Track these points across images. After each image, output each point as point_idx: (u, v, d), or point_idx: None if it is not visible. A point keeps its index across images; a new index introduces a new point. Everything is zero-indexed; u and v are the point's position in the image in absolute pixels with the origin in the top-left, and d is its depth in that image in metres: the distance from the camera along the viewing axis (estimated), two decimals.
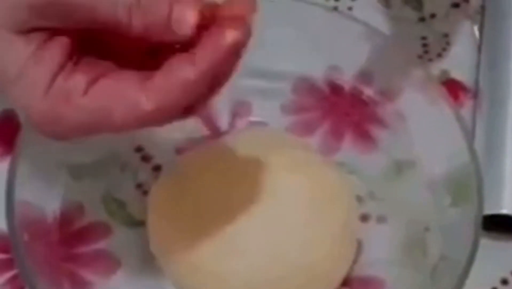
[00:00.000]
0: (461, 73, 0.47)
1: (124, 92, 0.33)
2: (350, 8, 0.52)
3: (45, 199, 0.42)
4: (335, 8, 0.51)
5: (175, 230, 0.41)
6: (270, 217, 0.40)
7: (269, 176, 0.41)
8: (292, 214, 0.40)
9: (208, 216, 0.40)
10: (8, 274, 0.42)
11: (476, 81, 0.49)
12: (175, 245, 0.40)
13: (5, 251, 0.43)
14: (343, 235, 0.41)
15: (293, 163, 0.42)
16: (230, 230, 0.40)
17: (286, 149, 0.43)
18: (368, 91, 0.46)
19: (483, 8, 0.52)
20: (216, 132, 0.43)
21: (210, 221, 0.40)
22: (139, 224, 0.43)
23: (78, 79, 0.33)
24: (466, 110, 0.48)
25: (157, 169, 0.45)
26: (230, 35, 0.32)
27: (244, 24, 0.33)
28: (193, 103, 0.34)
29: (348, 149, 0.46)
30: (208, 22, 0.33)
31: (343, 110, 0.47)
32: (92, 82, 0.33)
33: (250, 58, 0.46)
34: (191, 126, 0.38)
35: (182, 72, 0.32)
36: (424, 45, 0.50)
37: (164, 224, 0.41)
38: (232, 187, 0.41)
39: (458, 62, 0.41)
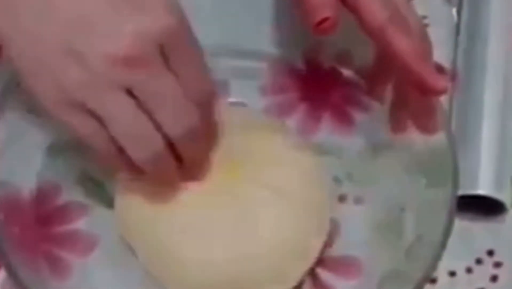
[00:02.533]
0: (439, 55, 0.47)
1: None
2: None
3: (21, 178, 0.41)
4: None
5: (140, 213, 0.40)
6: (236, 197, 0.40)
7: (238, 157, 0.41)
8: (258, 193, 0.40)
9: (174, 195, 0.40)
10: None
11: (454, 64, 0.49)
12: (140, 228, 0.40)
13: None
14: (304, 212, 0.41)
15: (258, 147, 0.42)
16: (196, 211, 0.40)
17: (258, 131, 0.43)
18: (347, 72, 0.47)
19: None
20: None
21: (176, 201, 0.40)
22: None
23: None
24: None
25: None
26: None
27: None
28: None
29: (326, 130, 0.46)
30: None
31: (321, 91, 0.47)
32: None
33: (228, 39, 0.47)
34: None
35: None
36: None
37: (130, 206, 0.41)
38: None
39: (436, 44, 0.41)
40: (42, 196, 0.42)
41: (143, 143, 0.36)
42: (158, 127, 0.36)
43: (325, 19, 0.39)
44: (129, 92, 0.35)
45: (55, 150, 0.43)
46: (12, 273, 0.37)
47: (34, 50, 0.36)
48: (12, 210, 0.40)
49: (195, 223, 0.40)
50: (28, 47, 0.36)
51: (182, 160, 0.38)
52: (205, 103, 0.38)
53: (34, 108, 0.42)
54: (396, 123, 0.44)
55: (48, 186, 0.42)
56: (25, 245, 0.40)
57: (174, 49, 0.36)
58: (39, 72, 0.36)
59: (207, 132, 0.39)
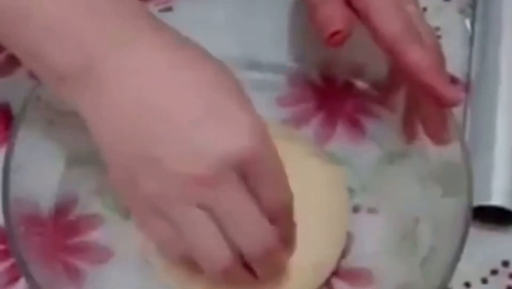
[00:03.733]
0: (453, 66, 0.47)
1: None
2: None
3: (40, 191, 0.42)
4: None
5: None
6: None
7: None
8: None
9: None
10: (5, 264, 0.43)
11: (468, 74, 0.49)
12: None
13: (2, 241, 0.43)
14: (328, 225, 0.41)
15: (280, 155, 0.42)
16: None
17: (276, 141, 0.43)
18: (360, 84, 0.47)
19: (474, 1, 0.52)
20: None
21: None
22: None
23: None
24: None
25: None
26: None
27: None
28: None
29: (341, 141, 0.46)
30: None
31: (336, 102, 0.47)
32: None
33: (246, 51, 0.47)
34: None
35: None
36: None
37: None
38: None
39: (450, 55, 0.42)
40: (61, 207, 0.43)
41: (213, 258, 0.36)
42: (231, 243, 0.36)
43: (337, 32, 0.39)
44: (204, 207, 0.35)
45: (73, 162, 0.44)
46: (32, 283, 0.38)
47: (120, 151, 0.36)
48: (31, 221, 0.41)
49: None
50: (116, 147, 0.36)
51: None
52: (284, 215, 0.37)
53: (54, 121, 0.43)
54: (409, 134, 0.44)
55: (66, 197, 0.43)
56: (44, 255, 0.40)
57: (254, 171, 0.35)
58: (122, 174, 0.36)
59: (285, 244, 0.38)
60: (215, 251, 0.36)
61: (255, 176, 0.36)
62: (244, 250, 0.36)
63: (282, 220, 0.37)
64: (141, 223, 0.37)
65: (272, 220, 0.37)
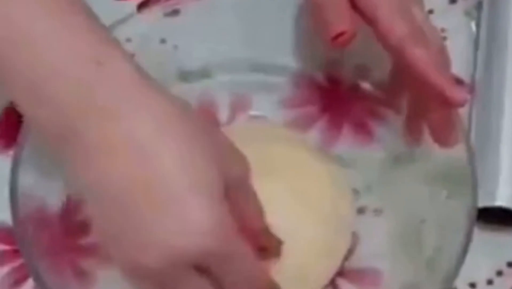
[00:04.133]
0: (458, 68, 0.48)
1: None
2: None
3: (48, 191, 0.42)
4: None
5: None
6: None
7: (260, 171, 0.41)
8: (283, 206, 0.41)
9: None
10: (13, 264, 0.43)
11: (473, 76, 0.50)
12: None
13: (10, 242, 0.43)
14: (331, 227, 0.41)
15: (284, 158, 0.42)
16: None
17: (280, 144, 0.44)
18: (366, 86, 0.47)
19: (480, 3, 0.52)
20: None
21: None
22: None
23: None
24: None
25: None
26: None
27: None
28: None
29: (346, 143, 0.46)
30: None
31: (341, 104, 0.47)
32: None
33: (251, 53, 0.47)
34: None
35: None
36: None
37: None
38: None
39: (455, 57, 0.42)
40: (69, 208, 0.43)
41: None
42: None
43: (341, 33, 0.39)
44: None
45: None
46: (40, 282, 0.38)
47: (112, 227, 0.35)
48: (40, 221, 0.41)
49: None
50: (109, 221, 0.35)
51: None
52: None
53: None
54: (413, 136, 0.44)
55: (74, 198, 0.43)
56: (52, 256, 0.41)
57: (217, 268, 0.35)
58: (112, 244, 0.36)
59: None
60: None
61: (219, 270, 0.35)
62: None
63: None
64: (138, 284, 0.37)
65: None
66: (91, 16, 0.36)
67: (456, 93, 0.39)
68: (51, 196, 0.42)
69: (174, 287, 0.35)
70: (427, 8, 0.45)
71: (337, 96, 0.48)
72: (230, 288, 0.36)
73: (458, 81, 0.49)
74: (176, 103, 0.36)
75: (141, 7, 0.52)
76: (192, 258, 0.34)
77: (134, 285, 0.37)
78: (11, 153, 0.42)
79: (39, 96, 0.35)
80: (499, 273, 0.44)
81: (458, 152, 0.42)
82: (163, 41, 0.46)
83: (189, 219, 0.34)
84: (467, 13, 0.52)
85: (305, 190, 0.42)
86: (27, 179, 0.41)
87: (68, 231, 0.43)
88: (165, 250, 0.34)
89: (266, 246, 0.39)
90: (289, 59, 0.48)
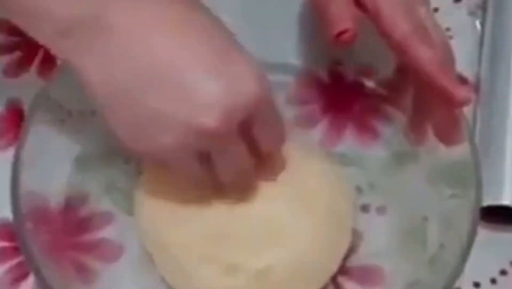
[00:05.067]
0: (463, 67, 0.48)
1: None
2: None
3: (50, 188, 0.42)
4: None
5: (159, 224, 0.41)
6: (260, 209, 0.41)
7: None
8: (283, 203, 0.41)
9: (192, 207, 0.41)
10: (13, 261, 0.43)
11: (478, 75, 0.49)
12: (159, 240, 0.41)
13: (10, 239, 0.43)
14: (328, 224, 0.41)
15: (282, 157, 0.42)
16: (216, 222, 0.40)
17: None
18: (370, 84, 0.47)
19: (485, 2, 0.52)
20: None
21: (196, 213, 0.40)
22: None
23: None
24: None
25: None
26: None
27: None
28: None
29: (350, 141, 0.46)
30: None
31: (345, 102, 0.47)
32: None
33: (253, 50, 0.47)
34: None
35: None
36: None
37: (151, 217, 0.41)
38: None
39: (460, 56, 0.42)
40: (70, 205, 0.43)
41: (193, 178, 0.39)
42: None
43: (344, 31, 0.39)
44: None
45: (82, 161, 0.44)
46: (41, 279, 0.38)
47: (128, 111, 0.37)
48: (41, 218, 0.41)
49: (216, 235, 0.40)
50: (122, 108, 0.37)
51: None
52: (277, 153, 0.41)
53: (64, 120, 0.43)
54: (417, 134, 0.44)
55: (75, 195, 0.43)
56: (53, 253, 0.41)
57: (257, 118, 0.37)
58: (132, 131, 0.37)
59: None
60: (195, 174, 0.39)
61: (257, 124, 0.38)
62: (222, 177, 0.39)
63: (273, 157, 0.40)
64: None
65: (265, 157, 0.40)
66: None
67: (461, 92, 0.39)
68: (52, 193, 0.42)
69: (222, 151, 0.37)
70: (432, 6, 0.45)
71: (341, 94, 0.48)
72: (262, 137, 0.38)
73: (463, 80, 0.49)
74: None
75: None
76: (246, 108, 0.36)
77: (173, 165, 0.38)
78: (12, 150, 0.42)
79: None
80: (503, 273, 0.44)
81: (462, 150, 0.42)
82: None
83: (236, 74, 0.36)
84: (472, 12, 0.52)
85: (305, 188, 0.41)
86: (29, 176, 0.41)
87: (69, 228, 0.43)
88: (225, 106, 0.36)
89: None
90: (293, 58, 0.48)
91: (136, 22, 0.36)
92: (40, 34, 0.37)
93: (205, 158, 0.38)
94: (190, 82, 0.36)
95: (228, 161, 0.38)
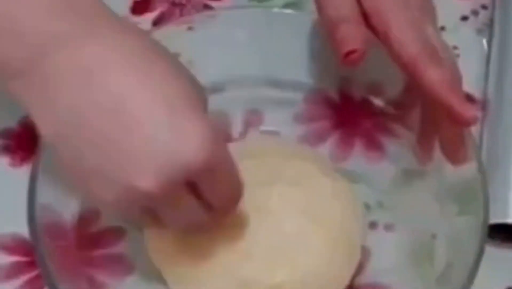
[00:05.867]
0: (470, 85, 0.48)
1: None
2: None
3: (65, 204, 0.43)
4: None
5: (170, 243, 0.41)
6: (271, 226, 0.41)
7: (271, 185, 0.42)
8: (293, 220, 0.41)
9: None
10: (29, 275, 0.43)
11: (484, 93, 0.50)
12: (171, 258, 0.41)
13: (25, 253, 0.44)
14: (339, 242, 0.41)
15: (294, 174, 0.43)
16: (225, 242, 0.40)
17: (292, 159, 0.44)
18: (378, 102, 0.47)
19: (491, 20, 0.52)
20: None
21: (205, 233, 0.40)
22: None
23: None
24: None
25: None
26: None
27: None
28: None
29: (358, 158, 0.47)
30: None
31: (353, 120, 0.48)
32: None
33: (264, 68, 0.48)
34: None
35: None
36: None
37: (160, 235, 0.42)
38: None
39: (467, 74, 0.42)
40: (83, 220, 0.43)
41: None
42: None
43: (352, 51, 0.40)
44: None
45: None
46: None
47: (71, 161, 0.36)
48: (55, 233, 0.41)
49: (227, 250, 0.40)
50: (67, 156, 0.36)
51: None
52: (231, 207, 0.39)
53: None
54: (425, 152, 0.44)
55: (88, 210, 0.44)
56: (67, 267, 0.41)
57: (202, 178, 0.36)
58: (77, 181, 0.37)
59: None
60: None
61: (204, 182, 0.36)
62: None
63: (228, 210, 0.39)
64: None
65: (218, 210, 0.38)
66: None
67: (467, 111, 0.40)
68: (67, 209, 0.43)
69: (166, 207, 0.36)
70: (438, 25, 0.46)
71: (349, 112, 0.48)
72: (212, 197, 0.37)
73: (470, 99, 0.49)
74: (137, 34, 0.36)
75: (156, 22, 0.52)
76: (189, 172, 0.34)
77: (120, 216, 0.38)
78: (26, 166, 0.43)
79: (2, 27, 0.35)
80: None
81: (469, 168, 0.42)
82: (178, 56, 0.47)
83: (181, 132, 0.34)
84: (479, 31, 0.53)
85: (315, 205, 0.42)
86: (44, 192, 0.41)
87: (82, 244, 0.43)
88: (160, 168, 0.34)
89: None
90: (302, 75, 0.48)
91: (73, 67, 0.34)
92: None
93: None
94: (131, 140, 0.34)
95: (175, 214, 0.37)
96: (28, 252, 0.43)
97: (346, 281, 0.42)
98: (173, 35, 0.46)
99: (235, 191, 0.38)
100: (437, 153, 0.44)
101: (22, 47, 0.35)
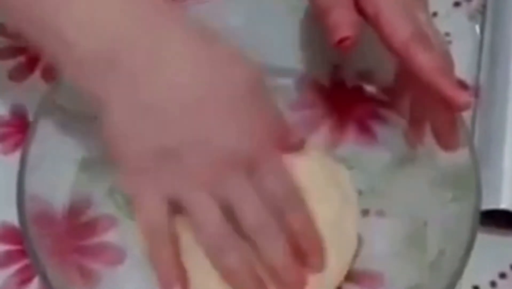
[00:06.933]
0: (462, 71, 0.48)
1: None
2: None
3: (54, 192, 0.43)
4: None
5: None
6: None
7: None
8: None
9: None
10: (18, 264, 0.43)
11: (477, 79, 0.50)
12: None
13: (16, 242, 0.44)
14: (337, 230, 0.41)
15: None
16: None
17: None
18: (370, 89, 0.47)
19: (484, 7, 0.52)
20: None
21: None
22: None
23: None
24: None
25: None
26: None
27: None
28: None
29: (350, 144, 0.47)
30: None
31: (345, 106, 0.48)
32: None
33: (255, 55, 0.48)
34: None
35: None
36: None
37: None
38: None
39: (459, 60, 0.42)
40: (74, 209, 0.43)
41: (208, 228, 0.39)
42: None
43: (345, 38, 0.40)
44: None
45: (86, 165, 0.44)
46: (46, 282, 0.39)
47: (138, 141, 0.38)
48: (45, 222, 0.41)
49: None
50: (133, 138, 0.38)
51: None
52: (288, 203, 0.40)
53: (68, 124, 0.44)
54: (417, 138, 0.44)
55: (79, 199, 0.44)
56: (57, 256, 0.41)
57: (260, 169, 0.39)
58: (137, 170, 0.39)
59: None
60: (212, 223, 0.39)
61: (260, 172, 0.38)
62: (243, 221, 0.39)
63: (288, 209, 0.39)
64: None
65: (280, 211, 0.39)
66: None
67: (460, 97, 0.39)
68: (56, 197, 0.43)
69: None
70: (431, 11, 0.46)
71: (342, 99, 0.48)
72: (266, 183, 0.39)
73: (462, 85, 0.49)
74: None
75: None
76: (249, 157, 0.38)
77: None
78: (16, 154, 0.43)
79: (81, 19, 0.37)
80: (503, 276, 0.44)
81: (462, 155, 0.42)
82: None
83: (245, 125, 0.38)
84: (471, 17, 0.52)
85: (311, 193, 0.42)
86: (34, 180, 0.41)
87: (73, 232, 0.43)
88: (229, 152, 0.38)
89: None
90: (294, 62, 0.48)
91: (156, 59, 0.37)
92: (48, 50, 0.38)
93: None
94: (202, 129, 0.38)
95: (242, 204, 0.39)
96: (20, 241, 0.43)
97: (344, 269, 0.41)
98: None
99: (287, 186, 0.40)
100: (429, 140, 0.44)
101: (98, 37, 0.37)
